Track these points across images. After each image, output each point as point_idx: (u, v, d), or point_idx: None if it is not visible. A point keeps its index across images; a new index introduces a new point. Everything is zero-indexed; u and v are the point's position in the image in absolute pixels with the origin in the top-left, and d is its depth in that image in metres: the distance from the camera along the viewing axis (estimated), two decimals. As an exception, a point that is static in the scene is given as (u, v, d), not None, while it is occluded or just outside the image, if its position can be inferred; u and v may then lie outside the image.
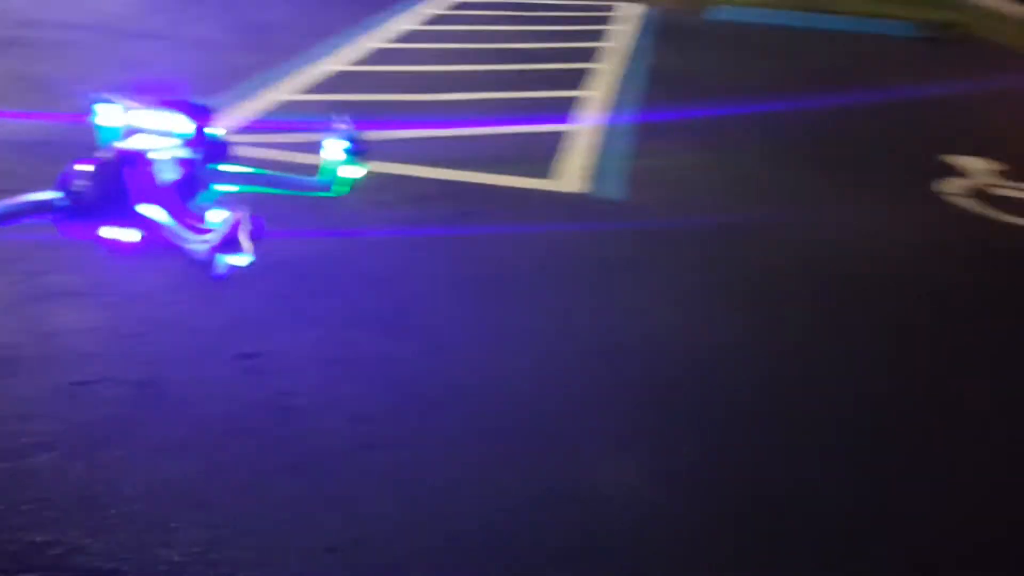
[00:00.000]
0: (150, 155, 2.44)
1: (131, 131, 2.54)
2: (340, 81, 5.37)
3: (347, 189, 2.64)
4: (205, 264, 2.42)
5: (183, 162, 2.57)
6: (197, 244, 2.54)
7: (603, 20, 8.24)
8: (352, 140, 2.69)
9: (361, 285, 2.96)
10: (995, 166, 4.72)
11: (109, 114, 2.71)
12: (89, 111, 2.71)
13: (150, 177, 2.48)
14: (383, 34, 6.75)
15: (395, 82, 5.44)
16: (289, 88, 5.11)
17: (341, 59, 5.87)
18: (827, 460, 2.26)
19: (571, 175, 4.14)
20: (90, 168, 2.45)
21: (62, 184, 2.51)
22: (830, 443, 2.33)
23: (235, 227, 2.46)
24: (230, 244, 2.39)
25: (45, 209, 2.51)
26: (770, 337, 2.85)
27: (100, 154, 2.59)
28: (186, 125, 2.55)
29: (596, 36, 7.43)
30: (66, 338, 2.48)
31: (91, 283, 2.76)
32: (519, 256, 3.30)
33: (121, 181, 2.46)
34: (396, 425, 2.22)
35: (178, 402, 2.25)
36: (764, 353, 2.75)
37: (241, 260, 2.51)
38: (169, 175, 2.55)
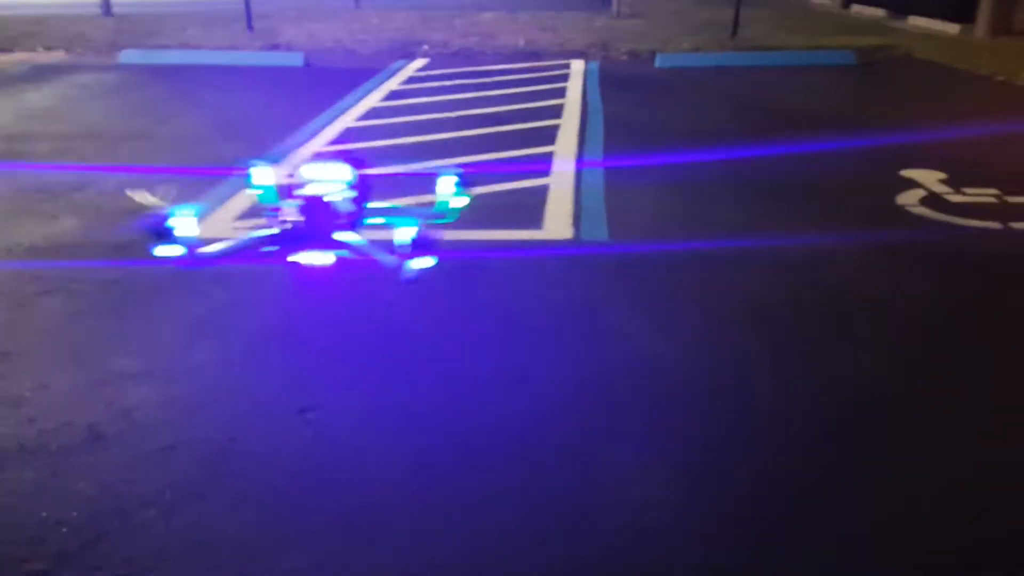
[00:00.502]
0: (327, 197, 3.47)
1: (302, 183, 3.55)
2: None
3: (457, 215, 3.73)
4: (396, 270, 3.08)
5: (353, 200, 3.56)
6: (387, 257, 3.39)
7: (558, 78, 8.64)
8: (459, 177, 3.71)
9: (397, 339, 3.12)
10: (942, 175, 5.05)
11: (263, 175, 3.74)
12: (246, 174, 3.72)
13: (335, 213, 3.44)
14: (353, 113, 7.04)
15: (373, 156, 5.68)
16: (275, 174, 5.32)
17: (318, 142, 6.12)
18: (808, 461, 2.45)
19: (558, 223, 4.36)
20: (296, 209, 3.46)
21: (273, 222, 3.53)
22: (817, 445, 2.52)
23: (420, 239, 3.20)
24: (419, 250, 3.25)
25: (267, 242, 3.58)
26: (766, 356, 3.05)
27: (289, 201, 3.61)
28: (348, 173, 3.55)
29: (555, 93, 7.78)
30: (145, 412, 2.65)
31: (153, 365, 2.94)
32: (525, 300, 3.48)
33: (321, 216, 3.43)
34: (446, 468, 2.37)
35: (253, 456, 2.43)
36: (763, 376, 2.94)
37: (427, 263, 3.36)
38: (346, 209, 3.52)
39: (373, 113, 7.03)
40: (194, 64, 9.48)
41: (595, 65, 9.48)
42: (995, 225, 4.21)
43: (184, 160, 5.52)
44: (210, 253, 3.50)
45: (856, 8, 16.10)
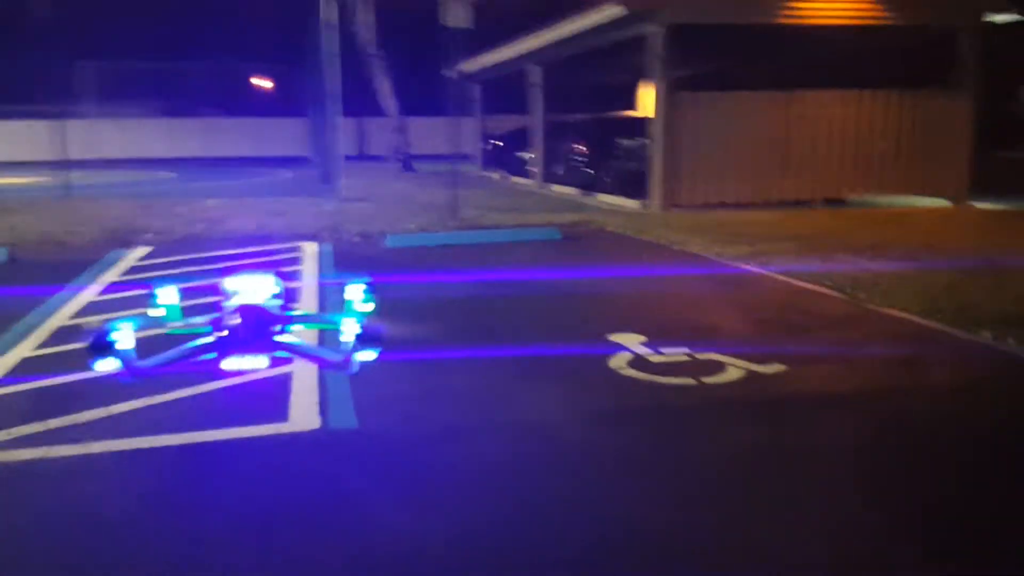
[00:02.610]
0: (262, 304, 3.80)
1: (228, 294, 3.83)
2: (31, 365, 5.14)
3: (364, 319, 3.98)
4: (341, 366, 3.57)
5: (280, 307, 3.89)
6: (332, 354, 3.71)
7: (292, 260, 8.77)
8: (367, 284, 4.26)
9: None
10: (643, 338, 5.81)
11: (167, 294, 3.69)
12: (151, 295, 3.63)
13: (270, 319, 3.38)
14: (65, 311, 6.56)
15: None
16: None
17: (29, 344, 5.61)
18: None
19: (303, 414, 4.35)
20: (237, 316, 3.73)
21: (216, 328, 3.78)
22: None
23: (366, 332, 3.61)
24: (364, 343, 3.29)
25: (204, 350, 3.48)
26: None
27: (227, 311, 3.55)
28: (275, 285, 3.46)
29: (290, 276, 7.87)
30: None
31: None
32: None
33: (257, 323, 3.35)
34: None
35: None
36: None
37: (371, 355, 3.69)
38: (277, 315, 3.82)
39: (92, 308, 6.61)
40: None
41: (329, 247, 9.77)
42: (690, 382, 4.92)
43: None
44: (148, 365, 3.60)
45: (554, 188, 18.32)
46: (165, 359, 3.76)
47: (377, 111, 26.77)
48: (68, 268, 8.19)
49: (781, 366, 5.12)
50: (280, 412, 4.38)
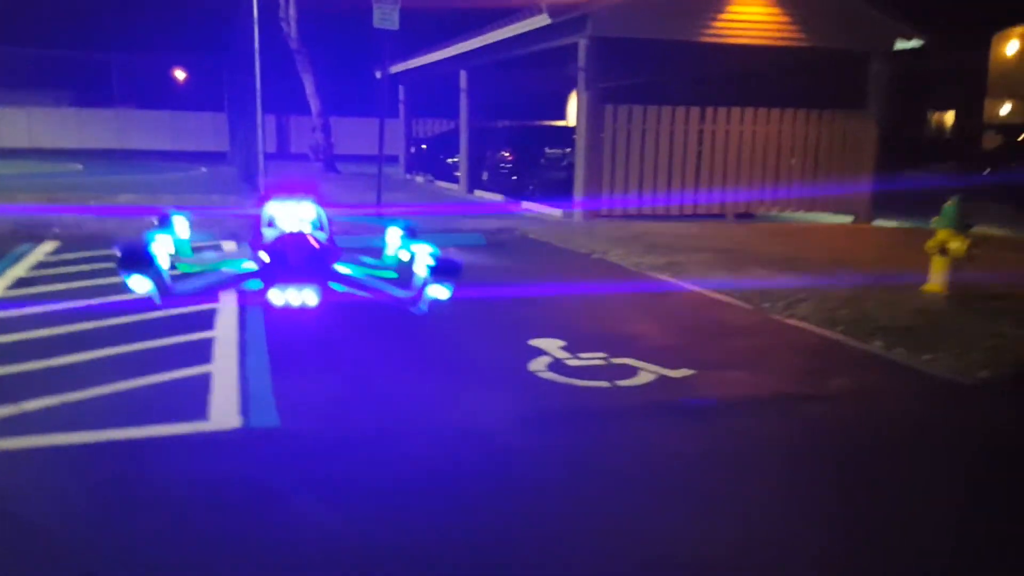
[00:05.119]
0: (306, 233, 3.41)
1: (270, 221, 3.17)
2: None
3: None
4: (412, 302, 2.68)
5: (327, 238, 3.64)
6: (399, 291, 3.04)
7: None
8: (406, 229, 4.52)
9: None
10: (562, 343, 6.01)
11: (181, 225, 3.34)
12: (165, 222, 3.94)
13: (322, 248, 3.06)
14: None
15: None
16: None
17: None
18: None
19: (223, 412, 4.36)
20: (283, 241, 3.30)
21: (259, 254, 3.35)
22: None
23: (441, 264, 2.98)
24: (440, 277, 2.95)
25: (247, 278, 3.01)
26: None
27: (267, 237, 3.23)
28: (313, 210, 3.26)
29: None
30: None
31: None
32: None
33: (311, 251, 2.99)
34: None
35: None
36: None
37: (444, 292, 2.90)
38: (323, 245, 3.48)
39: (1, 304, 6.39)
40: None
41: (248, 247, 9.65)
42: (605, 384, 5.13)
43: None
44: (184, 290, 3.13)
45: (479, 193, 18.47)
46: (204, 285, 3.40)
47: (301, 109, 26.40)
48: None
49: (690, 371, 5.38)
50: (200, 410, 4.38)
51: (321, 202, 3.73)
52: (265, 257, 3.45)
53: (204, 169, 23.85)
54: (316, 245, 3.54)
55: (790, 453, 4.25)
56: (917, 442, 4.45)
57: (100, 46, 31.45)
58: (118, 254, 3.13)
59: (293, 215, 3.73)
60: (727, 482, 3.84)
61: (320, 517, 3.33)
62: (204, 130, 32.25)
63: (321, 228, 3.75)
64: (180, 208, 3.80)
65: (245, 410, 4.40)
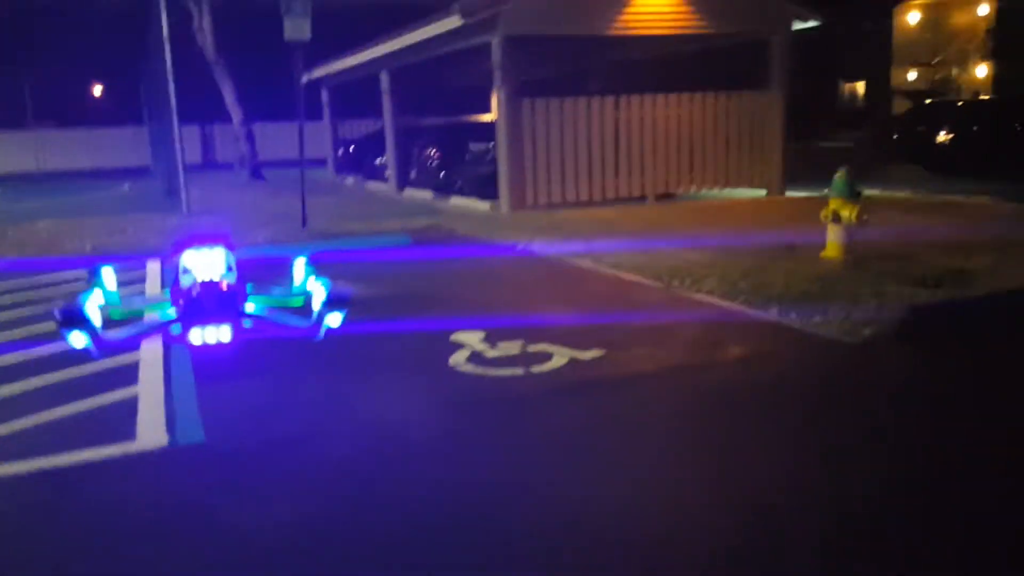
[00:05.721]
0: (217, 279, 4.15)
1: (185, 269, 4.12)
2: None
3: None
4: (311, 332, 3.91)
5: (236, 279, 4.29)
6: (299, 321, 4.01)
7: (137, 279, 8.68)
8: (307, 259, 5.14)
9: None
10: (482, 335, 6.31)
11: (108, 276, 4.50)
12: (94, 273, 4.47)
13: (231, 291, 3.93)
14: None
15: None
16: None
17: None
18: None
19: (150, 431, 4.54)
20: (198, 288, 4.02)
21: (177, 301, 4.05)
22: None
23: (333, 296, 3.98)
24: (332, 306, 3.67)
25: (169, 323, 3.62)
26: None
27: (184, 284, 4.12)
28: (227, 257, 4.07)
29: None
30: None
31: None
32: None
33: (222, 295, 3.53)
34: None
35: None
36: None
37: (337, 319, 4.08)
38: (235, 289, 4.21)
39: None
40: None
41: (173, 264, 9.70)
42: (519, 371, 5.45)
43: None
44: (115, 338, 3.83)
45: (408, 192, 18.65)
46: (131, 332, 3.98)
47: (223, 117, 26.07)
48: None
49: (599, 351, 5.75)
50: (128, 431, 4.55)
51: (230, 246, 4.47)
52: (182, 303, 4.26)
53: (127, 186, 23.42)
54: (226, 288, 4.33)
55: (683, 418, 4.64)
56: (798, 399, 4.89)
57: (10, 68, 30.46)
58: (58, 317, 3.83)
59: (206, 262, 4.40)
60: (618, 449, 4.21)
61: (244, 525, 3.57)
62: (125, 145, 31.50)
63: (231, 270, 4.47)
64: (106, 260, 4.78)
65: (171, 428, 4.59)
